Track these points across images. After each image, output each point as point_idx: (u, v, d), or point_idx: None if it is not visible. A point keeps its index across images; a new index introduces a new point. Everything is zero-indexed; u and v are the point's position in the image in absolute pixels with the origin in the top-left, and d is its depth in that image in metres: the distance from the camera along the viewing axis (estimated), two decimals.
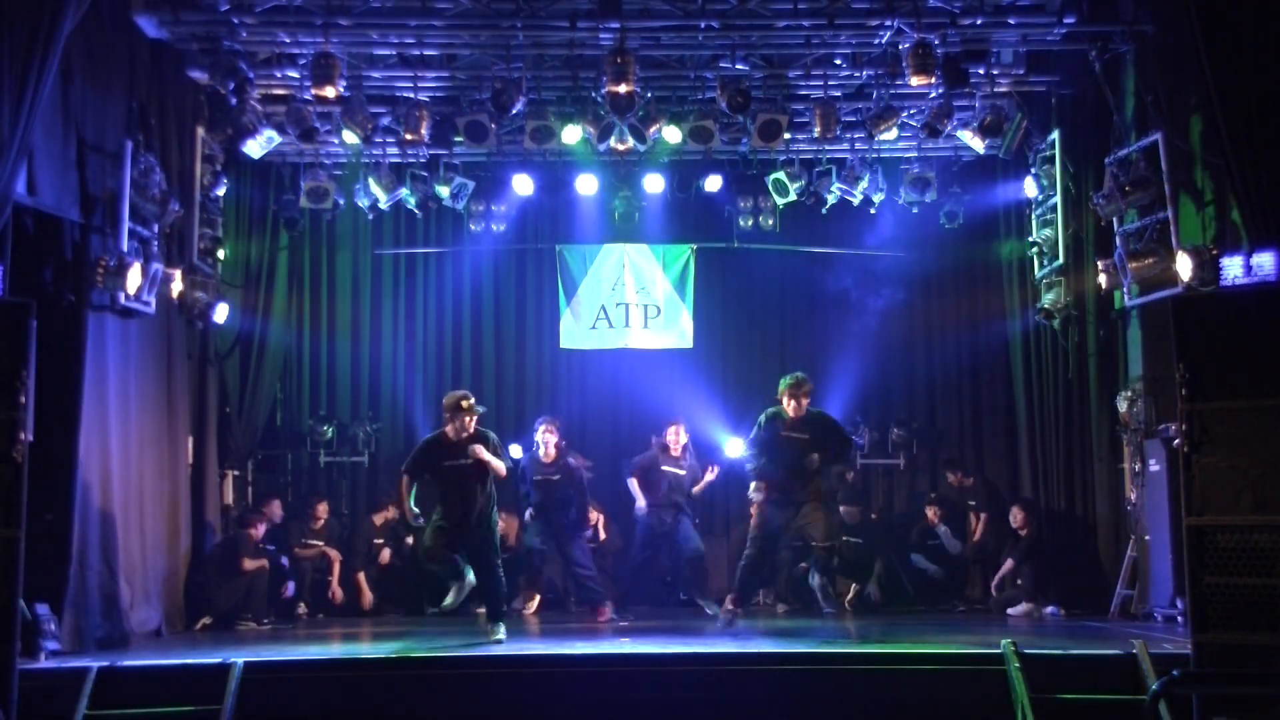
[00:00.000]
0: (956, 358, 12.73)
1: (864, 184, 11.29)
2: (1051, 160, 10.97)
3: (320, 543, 11.19)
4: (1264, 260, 6.75)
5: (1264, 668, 5.45)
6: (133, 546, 8.81)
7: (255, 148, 10.46)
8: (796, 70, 10.56)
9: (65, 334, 8.06)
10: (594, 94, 10.30)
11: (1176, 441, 6.39)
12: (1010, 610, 10.60)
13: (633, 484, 11.03)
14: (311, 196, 11.32)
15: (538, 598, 11.04)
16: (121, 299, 8.54)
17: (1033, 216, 11.50)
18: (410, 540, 11.35)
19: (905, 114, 10.83)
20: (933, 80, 9.55)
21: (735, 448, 11.54)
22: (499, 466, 8.52)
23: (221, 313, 10.59)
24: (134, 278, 8.55)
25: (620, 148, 11.05)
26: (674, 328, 12.47)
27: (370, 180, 11.31)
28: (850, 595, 10.97)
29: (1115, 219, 9.79)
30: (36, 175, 7.67)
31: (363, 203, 11.55)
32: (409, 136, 10.46)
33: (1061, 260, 10.85)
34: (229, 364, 11.53)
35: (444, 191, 11.67)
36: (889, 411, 12.72)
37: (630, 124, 10.38)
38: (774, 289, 12.90)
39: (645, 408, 12.14)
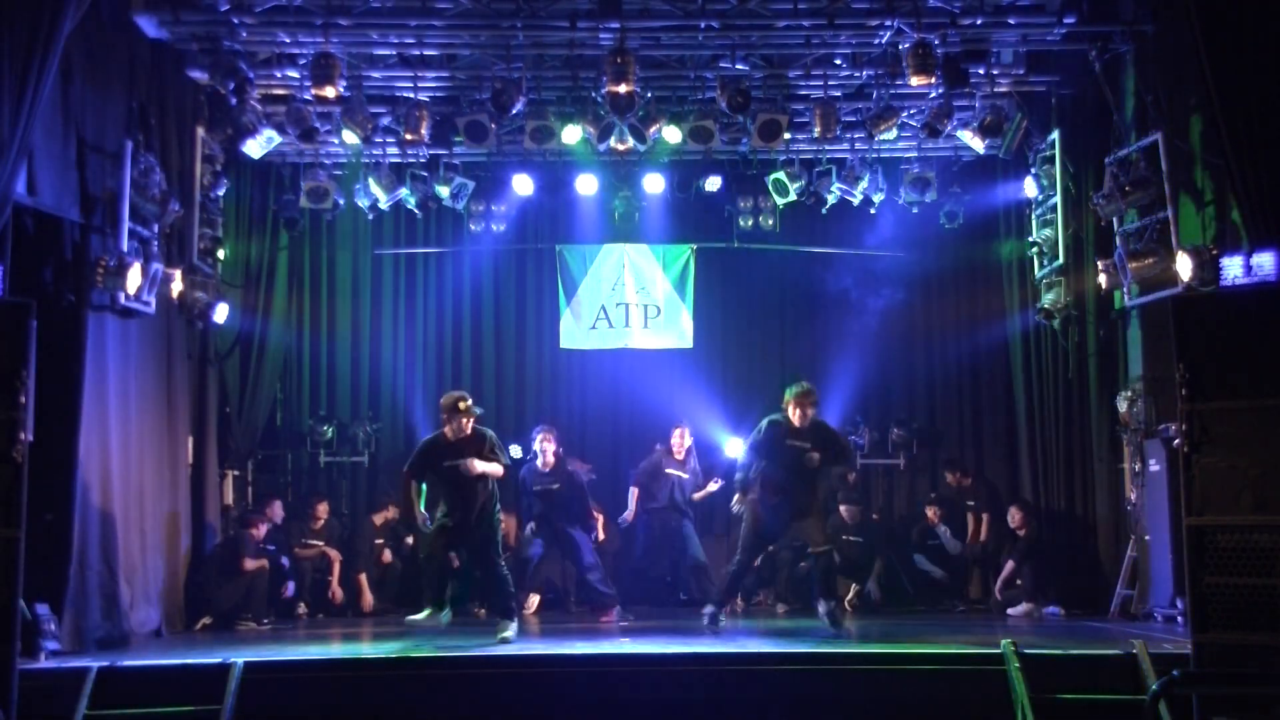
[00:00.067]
0: (956, 358, 12.72)
1: (864, 184, 11.29)
2: (1051, 160, 10.97)
3: (320, 543, 11.19)
4: (1264, 260, 6.75)
5: (1264, 668, 5.45)
6: (133, 546, 8.81)
7: (255, 148, 10.46)
8: (796, 70, 10.56)
9: (65, 334, 8.05)
10: (594, 94, 10.30)
11: (1176, 441, 6.40)
12: (1010, 610, 10.60)
13: (632, 493, 11.05)
14: (311, 196, 11.32)
15: (538, 598, 11.04)
16: (121, 299, 8.54)
17: (1033, 216, 11.51)
18: (410, 540, 11.37)
19: (905, 114, 10.83)
20: (933, 80, 9.55)
21: (735, 448, 11.56)
22: (496, 471, 8.51)
23: (221, 313, 10.59)
24: (134, 278, 8.54)
25: (620, 148, 11.06)
26: (674, 328, 12.47)
27: (370, 180, 11.32)
28: (850, 595, 10.98)
29: (1115, 219, 9.79)
30: (36, 175, 7.67)
31: (363, 203, 11.56)
32: (409, 136, 10.46)
33: (1061, 260, 10.85)
34: (229, 364, 11.53)
35: (444, 191, 11.67)
36: (889, 411, 12.72)
37: (630, 124, 10.38)
38: (774, 289, 12.90)
39: (645, 408, 12.16)
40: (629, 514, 11.05)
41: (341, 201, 11.63)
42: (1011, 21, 9.74)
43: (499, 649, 7.93)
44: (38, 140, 7.44)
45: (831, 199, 11.58)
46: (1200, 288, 8.15)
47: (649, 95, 10.53)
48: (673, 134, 10.79)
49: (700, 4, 9.59)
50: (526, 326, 12.92)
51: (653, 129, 10.56)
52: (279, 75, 10.38)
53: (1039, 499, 11.56)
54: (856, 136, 11.25)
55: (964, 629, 9.39)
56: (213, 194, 10.57)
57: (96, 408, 8.29)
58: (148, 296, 8.89)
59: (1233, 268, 7.15)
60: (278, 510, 10.98)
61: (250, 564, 10.13)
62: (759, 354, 12.88)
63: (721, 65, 10.37)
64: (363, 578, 11.18)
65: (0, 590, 5.64)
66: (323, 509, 11.40)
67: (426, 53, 10.33)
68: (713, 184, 11.94)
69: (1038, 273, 11.47)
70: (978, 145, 10.95)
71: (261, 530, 10.46)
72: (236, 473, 11.79)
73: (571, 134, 10.66)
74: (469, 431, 8.51)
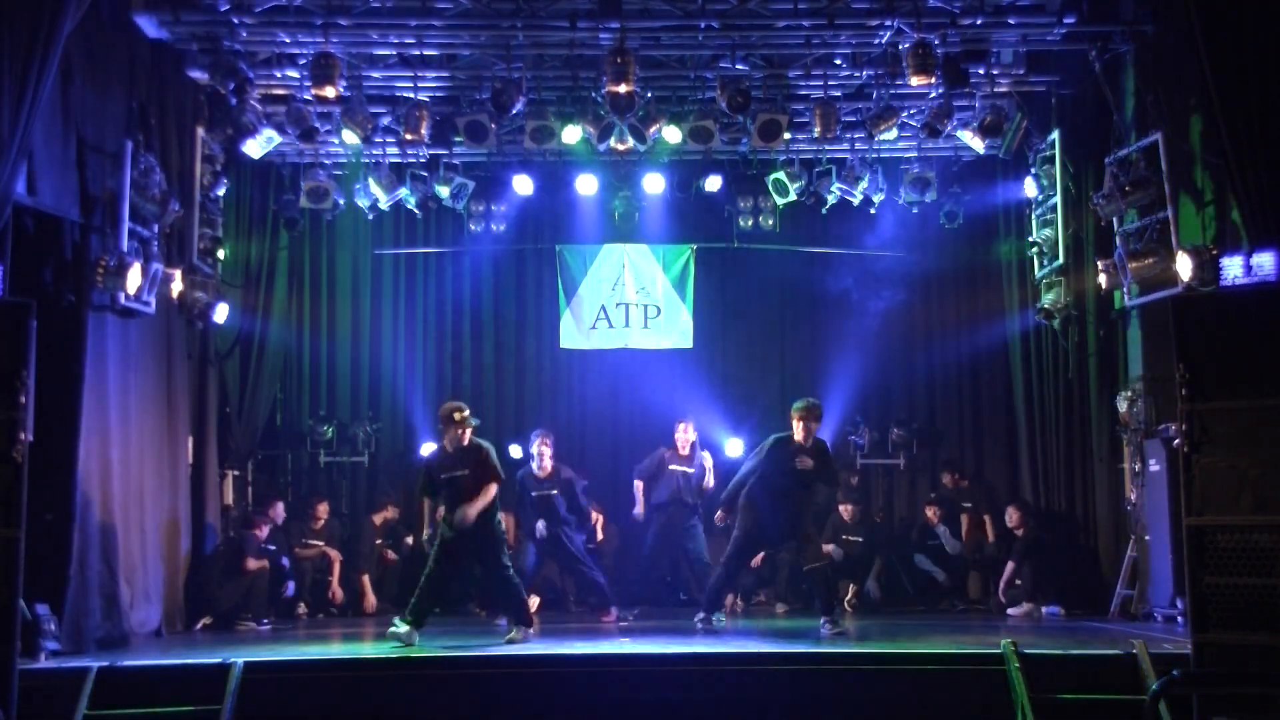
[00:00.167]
0: (956, 358, 12.72)
1: (864, 184, 11.29)
2: (1051, 160, 10.97)
3: (321, 543, 11.19)
4: (1264, 260, 6.76)
5: (1264, 668, 5.45)
6: (133, 546, 8.81)
7: (255, 148, 10.46)
8: (796, 70, 10.56)
9: (65, 334, 8.05)
10: (594, 94, 10.31)
11: (1176, 441, 6.39)
12: (1010, 610, 10.60)
13: (637, 486, 11.04)
14: (311, 196, 11.31)
15: (537, 599, 11.02)
16: (121, 299, 8.54)
17: (1033, 216, 11.51)
18: (410, 540, 11.37)
19: (905, 114, 10.83)
20: (933, 80, 9.55)
21: (735, 448, 11.57)
22: (489, 495, 8.41)
23: (221, 313, 10.59)
24: (134, 278, 8.54)
25: (620, 148, 11.05)
26: (674, 328, 12.47)
27: (370, 180, 11.31)
28: (850, 595, 10.98)
29: (1115, 219, 9.79)
30: (36, 175, 7.67)
31: (363, 203, 11.55)
32: (409, 136, 10.46)
33: (1061, 260, 10.85)
34: (229, 364, 11.53)
35: (444, 191, 11.67)
36: (889, 411, 12.72)
37: (630, 124, 10.38)
38: (774, 289, 12.90)
39: (645, 408, 12.17)
40: (639, 508, 11.01)
41: (341, 201, 11.62)
42: (1011, 21, 9.73)
43: (499, 649, 7.93)
44: (38, 140, 7.44)
45: (831, 199, 11.58)
46: (1200, 288, 8.15)
47: (649, 95, 10.53)
48: (673, 134, 10.79)
49: (700, 4, 9.59)
50: (526, 326, 12.92)
51: (653, 129, 10.55)
52: (279, 75, 10.38)
53: (1039, 499, 11.57)
54: (856, 136, 11.25)
55: (964, 629, 9.39)
56: (213, 194, 10.57)
57: (96, 408, 8.29)
58: (148, 296, 8.89)
59: (1233, 268, 7.15)
60: (279, 511, 10.99)
61: (253, 564, 10.14)
62: (759, 354, 12.89)
63: (721, 65, 10.37)
64: (365, 579, 11.19)
65: (0, 590, 5.63)
66: (323, 509, 11.41)
67: (426, 53, 10.33)
68: (713, 184, 11.94)
69: (1038, 273, 11.47)
70: (978, 145, 10.95)
71: (264, 531, 10.47)
72: (236, 473, 11.78)
73: (571, 134, 10.66)
74: (466, 442, 8.49)
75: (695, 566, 10.94)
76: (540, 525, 10.15)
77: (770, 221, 12.24)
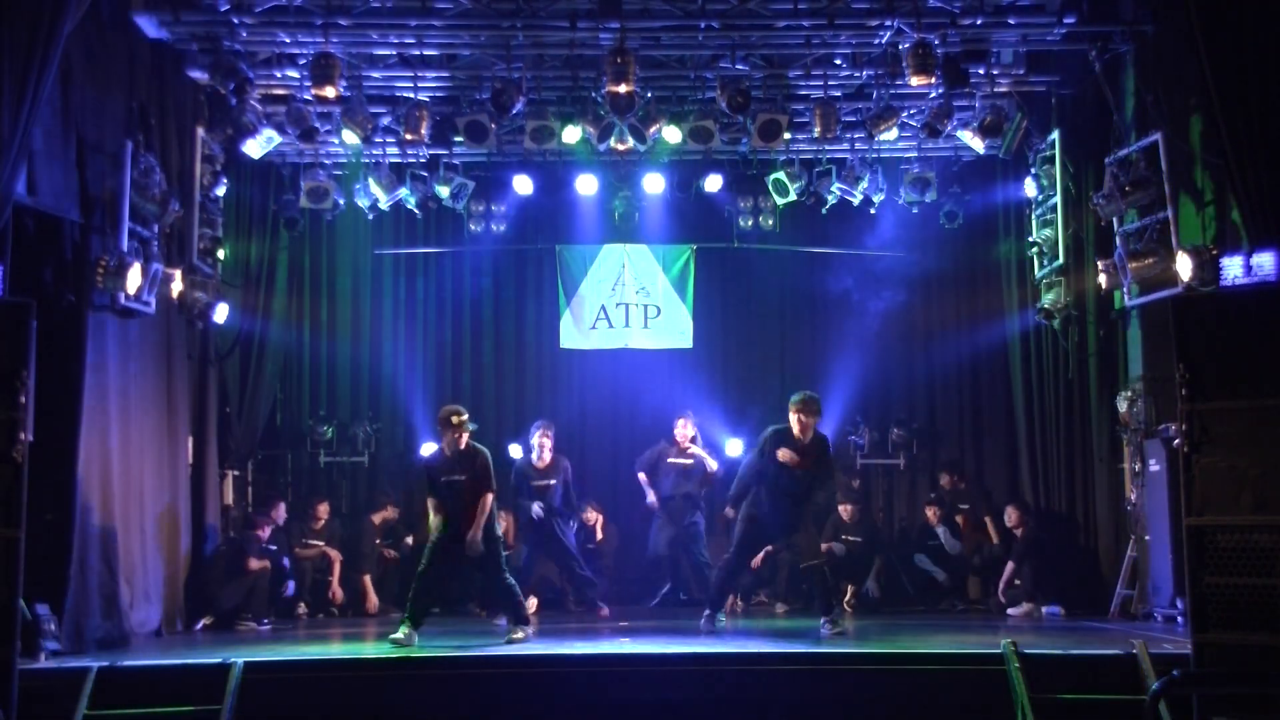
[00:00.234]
0: (956, 358, 12.72)
1: (864, 184, 11.29)
2: (1051, 160, 10.97)
3: (321, 543, 11.19)
4: (1264, 260, 6.75)
5: (1264, 668, 5.45)
6: (133, 546, 8.80)
7: (255, 148, 10.46)
8: (796, 70, 10.56)
9: (65, 334, 8.05)
10: (594, 94, 10.31)
11: (1176, 441, 6.39)
12: (1010, 610, 10.60)
13: (642, 478, 11.06)
14: (311, 196, 11.31)
15: (535, 599, 11.02)
16: (121, 299, 8.53)
17: (1033, 216, 11.50)
18: (410, 540, 11.36)
19: (905, 114, 10.83)
20: (933, 80, 9.55)
21: (735, 448, 11.57)
22: (487, 503, 8.38)
23: (221, 313, 10.59)
24: (134, 278, 8.54)
25: (620, 148, 11.06)
26: (674, 328, 12.47)
27: (370, 180, 11.31)
28: (850, 595, 10.97)
29: (1115, 219, 9.79)
30: (36, 175, 7.67)
31: (363, 203, 11.55)
32: (409, 136, 10.46)
33: (1061, 260, 10.85)
34: (229, 364, 11.53)
35: (444, 191, 11.67)
36: (889, 411, 12.72)
37: (630, 124, 10.38)
38: (774, 289, 12.90)
39: (645, 408, 12.18)
40: (651, 497, 11.04)
41: (341, 201, 11.62)
42: (1011, 21, 9.73)
43: (498, 649, 7.93)
44: (38, 140, 7.44)
45: (831, 199, 11.58)
46: (1200, 288, 8.15)
47: (649, 95, 10.53)
48: (673, 134, 10.79)
49: (700, 4, 9.59)
50: (526, 326, 12.92)
51: (653, 129, 10.55)
52: (279, 75, 10.38)
53: (1039, 499, 11.57)
54: (856, 136, 11.25)
55: (964, 629, 9.39)
56: (213, 194, 10.57)
57: (96, 408, 8.29)
58: (148, 296, 8.89)
59: (1233, 268, 7.15)
60: (281, 511, 10.99)
61: (255, 564, 10.14)
62: (759, 354, 12.89)
63: (721, 65, 10.36)
64: (366, 579, 11.19)
65: (0, 590, 5.63)
66: (323, 509, 11.41)
67: (426, 53, 10.33)
68: (713, 184, 11.94)
69: (1038, 273, 11.47)
70: (978, 145, 10.95)
71: (266, 531, 10.48)
72: (236, 473, 11.79)
73: (571, 134, 10.66)
74: (464, 446, 8.49)
75: (695, 566, 10.93)
76: (536, 506, 10.17)
77: (770, 221, 12.25)
